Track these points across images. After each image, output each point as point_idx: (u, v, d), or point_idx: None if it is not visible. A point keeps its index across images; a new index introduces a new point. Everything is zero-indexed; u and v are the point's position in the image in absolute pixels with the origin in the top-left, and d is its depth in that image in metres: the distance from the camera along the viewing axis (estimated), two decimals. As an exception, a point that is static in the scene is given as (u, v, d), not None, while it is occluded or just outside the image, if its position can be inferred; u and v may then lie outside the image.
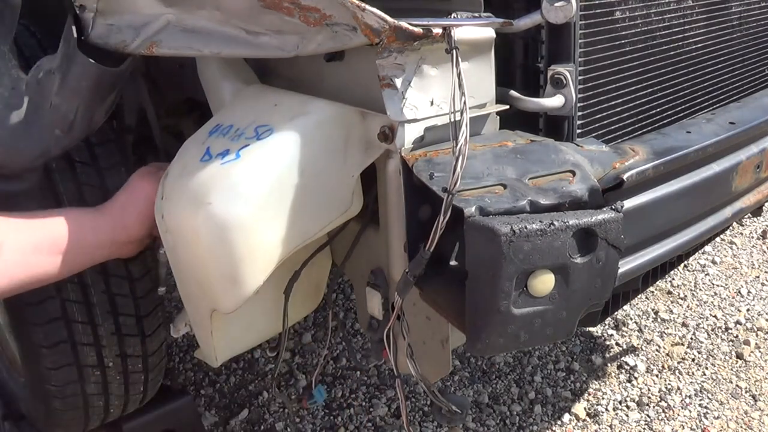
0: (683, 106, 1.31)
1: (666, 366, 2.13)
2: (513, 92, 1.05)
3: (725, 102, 1.41)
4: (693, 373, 2.10)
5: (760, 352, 2.19)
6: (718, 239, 2.77)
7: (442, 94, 0.95)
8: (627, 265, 1.01)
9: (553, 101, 1.05)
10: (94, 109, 1.11)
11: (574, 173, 0.89)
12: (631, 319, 2.35)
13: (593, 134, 1.12)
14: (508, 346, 0.84)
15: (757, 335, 2.27)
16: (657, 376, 2.09)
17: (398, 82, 0.91)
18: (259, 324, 1.19)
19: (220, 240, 0.91)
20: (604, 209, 0.85)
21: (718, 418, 1.93)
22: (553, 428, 1.90)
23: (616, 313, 2.06)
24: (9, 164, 1.11)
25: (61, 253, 1.05)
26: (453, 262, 0.91)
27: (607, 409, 1.96)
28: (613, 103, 1.15)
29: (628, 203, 0.97)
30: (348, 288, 2.42)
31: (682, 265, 2.60)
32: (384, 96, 0.92)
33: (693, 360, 2.16)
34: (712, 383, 2.05)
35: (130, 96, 1.48)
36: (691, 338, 2.26)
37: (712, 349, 2.21)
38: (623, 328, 2.30)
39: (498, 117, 1.03)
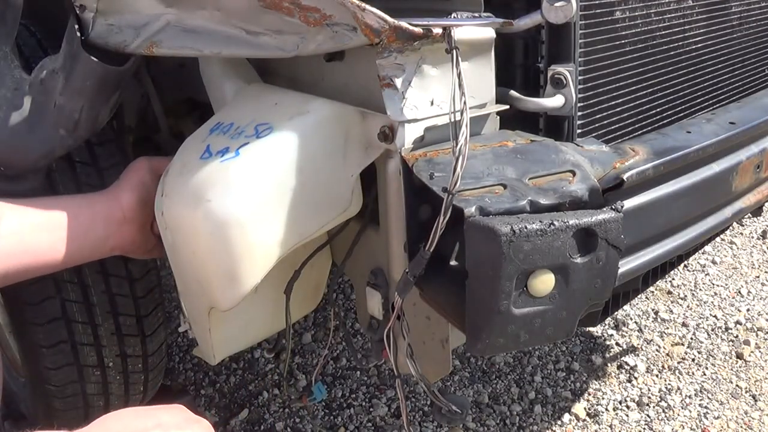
0: (683, 106, 1.31)
1: (666, 366, 2.13)
2: (513, 92, 1.05)
3: (725, 102, 1.41)
4: (693, 373, 2.10)
5: (760, 352, 2.19)
6: (718, 239, 2.77)
7: (442, 94, 0.95)
8: (627, 265, 1.01)
9: (553, 101, 1.05)
10: (99, 109, 1.11)
11: (574, 173, 0.89)
12: (631, 319, 2.35)
13: (593, 134, 1.12)
14: (508, 346, 0.84)
15: (757, 335, 2.27)
16: (657, 376, 2.09)
17: (398, 82, 0.91)
18: (258, 323, 1.19)
19: (218, 237, 0.91)
20: (604, 209, 0.85)
21: (718, 418, 1.93)
22: (553, 428, 1.90)
23: (616, 313, 2.06)
24: (14, 165, 1.11)
25: (58, 230, 1.05)
26: (453, 262, 0.91)
27: (607, 409, 1.96)
28: (613, 103, 1.15)
29: (628, 203, 0.97)
30: (348, 288, 2.42)
31: (682, 265, 2.60)
32: (384, 96, 0.92)
33: (693, 360, 2.16)
34: (712, 383, 2.05)
35: (131, 96, 1.48)
36: (691, 338, 2.26)
37: (712, 349, 2.21)
38: (623, 328, 2.30)
39: (498, 117, 1.03)
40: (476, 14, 0.94)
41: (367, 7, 0.84)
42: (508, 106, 1.03)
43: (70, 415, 1.44)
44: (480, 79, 0.99)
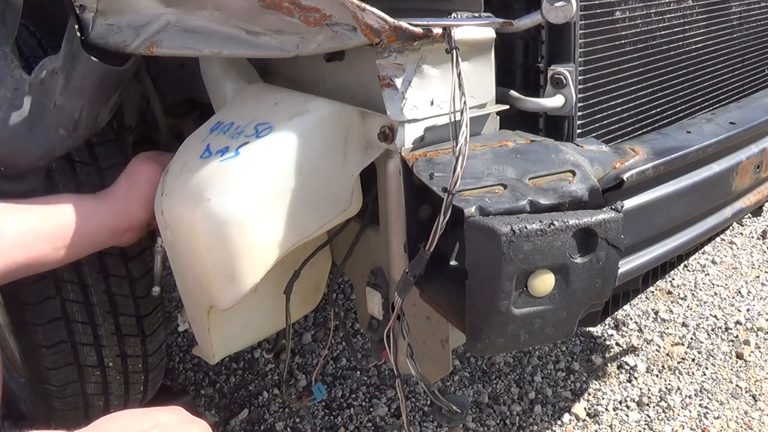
0: (683, 106, 1.31)
1: (666, 366, 2.13)
2: (513, 92, 1.05)
3: (725, 102, 1.41)
4: (693, 373, 2.10)
5: (760, 352, 2.19)
6: (718, 239, 2.77)
7: (442, 94, 0.95)
8: (627, 265, 1.01)
9: (553, 101, 1.05)
10: (99, 109, 1.11)
11: (574, 173, 0.89)
12: (631, 319, 2.35)
13: (593, 134, 1.12)
14: (508, 346, 0.84)
15: (757, 335, 2.27)
16: (657, 376, 2.09)
17: (398, 82, 0.91)
18: (257, 322, 1.19)
19: (217, 236, 0.91)
20: (604, 209, 0.85)
21: (718, 418, 1.93)
22: (553, 428, 1.90)
23: (616, 313, 2.06)
24: (13, 165, 1.12)
25: (61, 237, 1.05)
26: (453, 262, 0.91)
27: (607, 409, 1.96)
28: (613, 103, 1.15)
29: (628, 203, 0.97)
30: (348, 288, 2.42)
31: (682, 265, 2.60)
32: (384, 96, 0.92)
33: (693, 360, 2.16)
34: (712, 383, 2.05)
35: (131, 96, 1.48)
36: (691, 338, 2.26)
37: (712, 349, 2.21)
38: (623, 328, 2.30)
39: (498, 117, 1.03)
40: (476, 14, 0.94)
41: (367, 7, 0.84)
42: (508, 106, 1.03)
43: (70, 415, 1.44)
44: (480, 79, 0.99)
